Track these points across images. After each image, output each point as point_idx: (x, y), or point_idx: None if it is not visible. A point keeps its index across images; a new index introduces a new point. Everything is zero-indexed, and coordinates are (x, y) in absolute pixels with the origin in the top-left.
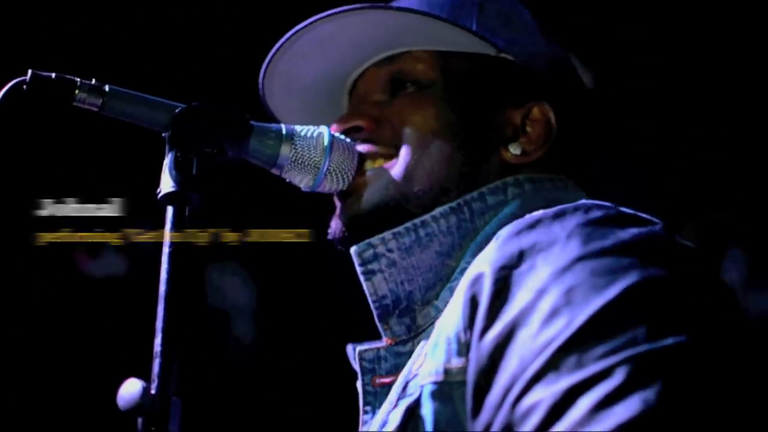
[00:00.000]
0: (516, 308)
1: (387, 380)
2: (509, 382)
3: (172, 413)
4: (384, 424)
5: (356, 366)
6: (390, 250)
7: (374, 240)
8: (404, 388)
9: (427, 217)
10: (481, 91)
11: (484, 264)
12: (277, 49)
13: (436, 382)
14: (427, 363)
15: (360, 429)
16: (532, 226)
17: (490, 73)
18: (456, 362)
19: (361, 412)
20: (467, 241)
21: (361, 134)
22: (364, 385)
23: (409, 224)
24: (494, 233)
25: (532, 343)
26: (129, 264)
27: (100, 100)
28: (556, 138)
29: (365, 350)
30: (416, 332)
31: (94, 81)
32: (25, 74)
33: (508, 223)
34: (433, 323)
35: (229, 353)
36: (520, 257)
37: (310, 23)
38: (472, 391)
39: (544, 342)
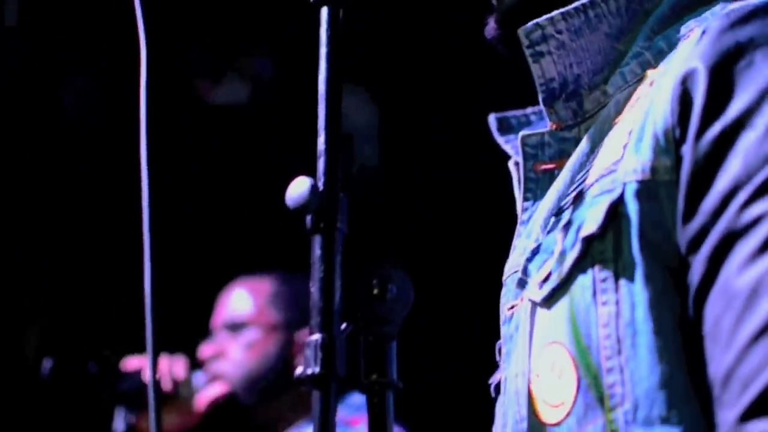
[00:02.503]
0: (738, 108)
1: (550, 166)
2: (731, 187)
3: (339, 209)
4: (562, 213)
5: (500, 139)
6: (559, 32)
7: (542, 21)
8: (584, 178)
9: None
10: None
11: (694, 59)
12: None
13: (641, 181)
14: (629, 158)
15: (520, 216)
16: (746, 18)
17: None
18: (665, 161)
19: (519, 197)
20: (637, 23)
21: None
22: (526, 171)
23: (578, 4)
24: (670, 15)
25: (759, 147)
26: None
27: None
28: None
29: (528, 135)
30: (582, 117)
31: None
32: None
33: (683, 3)
34: (601, 109)
35: (354, 176)
36: (738, 53)
37: None
38: (684, 194)
39: None
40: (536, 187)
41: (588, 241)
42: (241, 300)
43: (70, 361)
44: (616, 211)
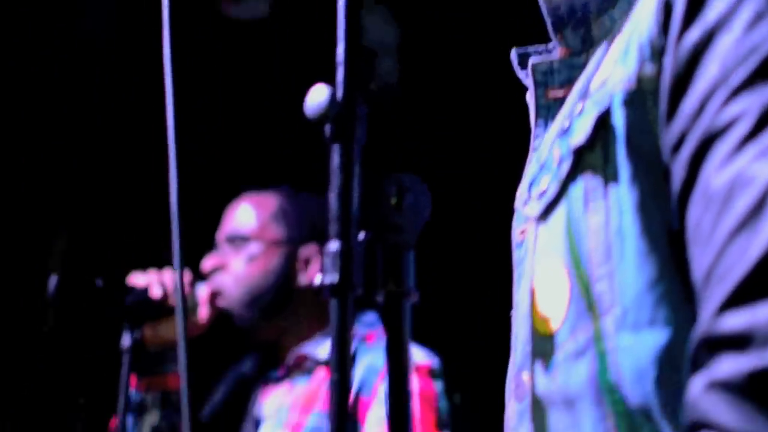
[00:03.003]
0: (715, 13)
1: (560, 93)
2: (709, 88)
3: (358, 118)
4: (565, 132)
5: (521, 74)
6: None
7: None
8: (583, 95)
9: None
10: None
11: None
12: None
13: (628, 91)
14: (617, 70)
15: (532, 143)
16: None
17: None
18: (650, 69)
19: (533, 125)
20: None
21: None
22: (537, 98)
23: None
24: None
25: (736, 49)
26: None
27: None
28: None
29: (538, 63)
30: (591, 44)
31: None
32: None
33: None
34: (608, 34)
35: (372, 91)
36: None
37: None
38: (666, 99)
39: (749, 48)
40: (547, 114)
41: (579, 152)
42: (246, 214)
43: (76, 276)
44: (604, 121)
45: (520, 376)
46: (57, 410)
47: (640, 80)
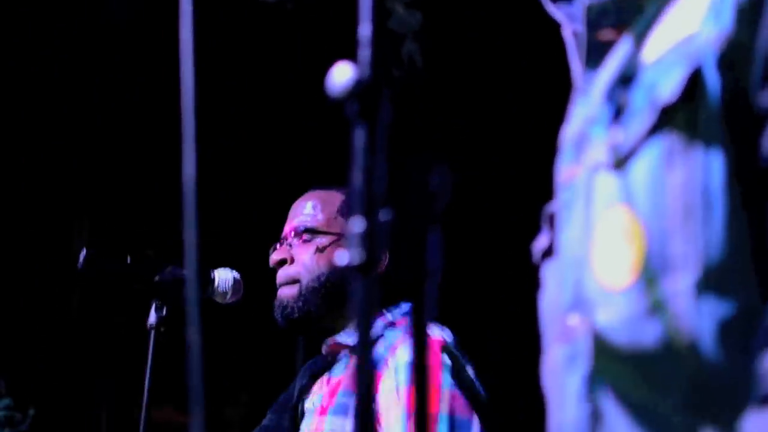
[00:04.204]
0: None
1: (611, 34)
2: None
3: (382, 97)
4: (633, 80)
5: (551, 7)
6: None
7: None
8: (650, 44)
9: None
10: None
11: None
12: None
13: (722, 51)
14: (708, 27)
15: (579, 85)
16: None
17: None
18: (745, 30)
19: (580, 67)
20: None
21: None
22: (589, 39)
23: None
24: None
25: None
26: None
27: None
28: None
29: (593, 4)
30: None
31: None
32: None
33: None
34: None
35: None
36: None
37: None
38: (763, 59)
39: None
40: (598, 56)
41: (664, 109)
42: (314, 209)
43: (107, 253)
44: (695, 80)
45: (565, 320)
46: (83, 388)
47: (734, 40)
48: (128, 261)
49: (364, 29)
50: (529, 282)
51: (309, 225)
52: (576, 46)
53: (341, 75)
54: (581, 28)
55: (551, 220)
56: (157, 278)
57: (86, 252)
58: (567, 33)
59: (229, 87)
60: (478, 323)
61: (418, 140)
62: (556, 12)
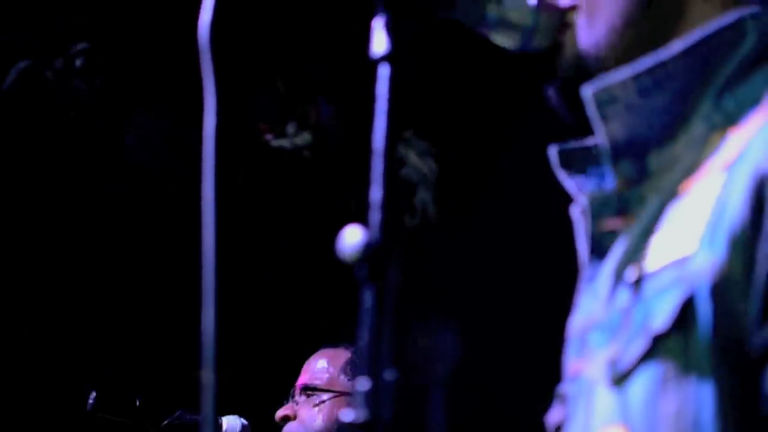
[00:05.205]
0: None
1: (614, 224)
2: None
3: (392, 260)
4: (632, 288)
5: (561, 174)
6: (628, 93)
7: (613, 85)
8: (646, 251)
9: (663, 57)
10: None
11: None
12: None
13: (715, 280)
14: (702, 254)
15: (585, 272)
16: None
17: None
18: (739, 260)
19: (585, 252)
20: (705, 81)
21: None
22: (592, 230)
23: (648, 66)
24: (739, 72)
25: None
26: None
27: None
28: None
29: (595, 196)
30: (648, 176)
31: None
32: None
33: (751, 58)
34: (667, 169)
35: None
36: None
37: None
38: (761, 297)
39: None
40: (601, 247)
41: (656, 337)
42: (320, 368)
43: (116, 392)
44: (687, 309)
45: None
46: None
47: (727, 269)
48: (137, 403)
49: (375, 192)
50: None
51: (312, 383)
52: (583, 229)
53: (351, 238)
54: (589, 218)
55: (563, 399)
56: (166, 422)
57: (96, 394)
58: (575, 213)
59: (246, 249)
60: None
61: (427, 302)
62: (564, 178)
